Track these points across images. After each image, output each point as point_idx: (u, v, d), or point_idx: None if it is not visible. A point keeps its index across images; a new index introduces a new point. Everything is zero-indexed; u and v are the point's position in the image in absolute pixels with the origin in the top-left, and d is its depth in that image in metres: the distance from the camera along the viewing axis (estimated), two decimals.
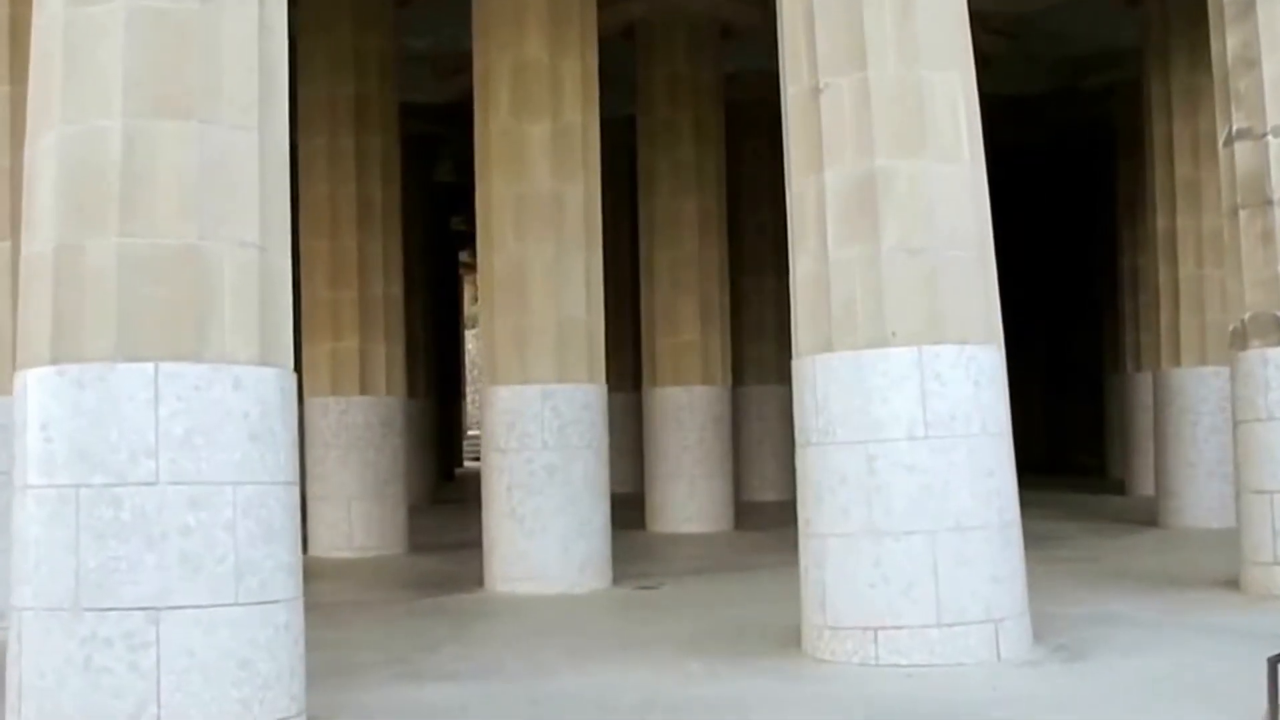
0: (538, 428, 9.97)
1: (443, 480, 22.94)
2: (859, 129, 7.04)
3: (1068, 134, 21.69)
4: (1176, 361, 13.42)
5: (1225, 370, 12.77)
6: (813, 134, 7.20)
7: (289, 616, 5.64)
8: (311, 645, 7.91)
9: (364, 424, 12.73)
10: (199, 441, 5.38)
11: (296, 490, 5.82)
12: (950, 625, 6.78)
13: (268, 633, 5.50)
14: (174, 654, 5.26)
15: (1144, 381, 17.17)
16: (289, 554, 5.67)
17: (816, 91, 7.17)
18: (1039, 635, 7.23)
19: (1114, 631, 7.70)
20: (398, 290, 13.11)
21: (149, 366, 5.33)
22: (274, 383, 5.64)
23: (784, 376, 17.98)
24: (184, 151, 5.48)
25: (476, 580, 10.34)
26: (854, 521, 6.93)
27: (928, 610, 6.79)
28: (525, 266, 10.02)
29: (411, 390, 20.09)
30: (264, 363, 5.61)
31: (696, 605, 9.30)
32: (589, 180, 10.16)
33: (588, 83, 10.21)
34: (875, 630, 6.83)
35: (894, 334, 6.92)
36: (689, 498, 14.47)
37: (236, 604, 5.40)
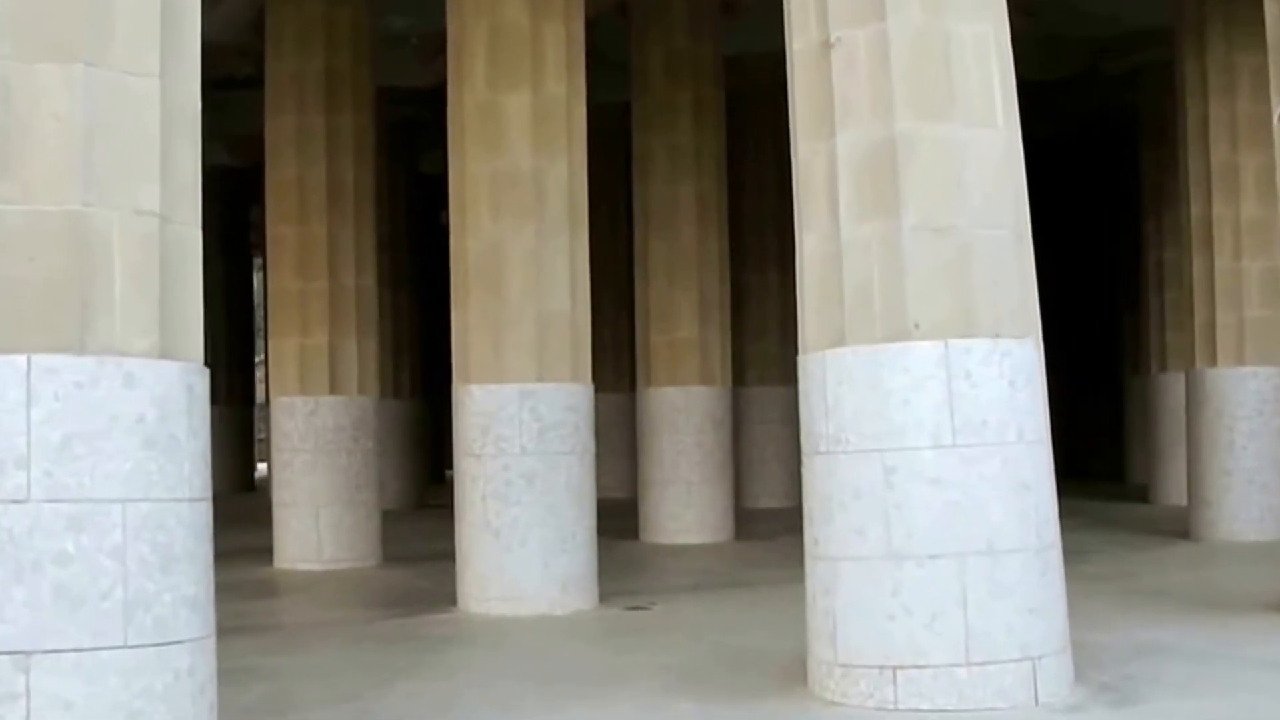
0: (515, 431, 9.01)
1: (432, 483, 21.98)
2: (876, 88, 6.11)
3: (1088, 121, 20.71)
4: (1211, 361, 12.46)
5: (1265, 371, 11.94)
6: (822, 95, 6.27)
7: (194, 659, 4.70)
8: (252, 676, 7.07)
9: (334, 426, 11.79)
10: (80, 450, 4.46)
11: (207, 509, 4.89)
12: (981, 664, 5.87)
13: (165, 680, 4.58)
14: (48, 707, 4.36)
15: (1170, 382, 16.27)
16: (194, 584, 4.74)
17: (827, 46, 6.23)
18: (1078, 672, 6.33)
19: (1162, 666, 6.80)
20: (371, 281, 12.15)
21: (20, 360, 4.43)
22: (177, 379, 4.71)
23: (788, 377, 17.19)
24: (68, 100, 4.55)
25: (449, 599, 9.40)
26: (869, 543, 6.00)
27: (955, 646, 5.88)
28: (502, 252, 9.07)
29: (398, 390, 19.31)
30: (165, 355, 4.69)
31: (690, 630, 8.35)
32: (574, 157, 9.19)
33: (573, 50, 9.24)
34: (894, 669, 5.92)
35: (916, 326, 6.01)
36: (685, 506, 13.48)
37: (126, 646, 4.48)
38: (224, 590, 10.83)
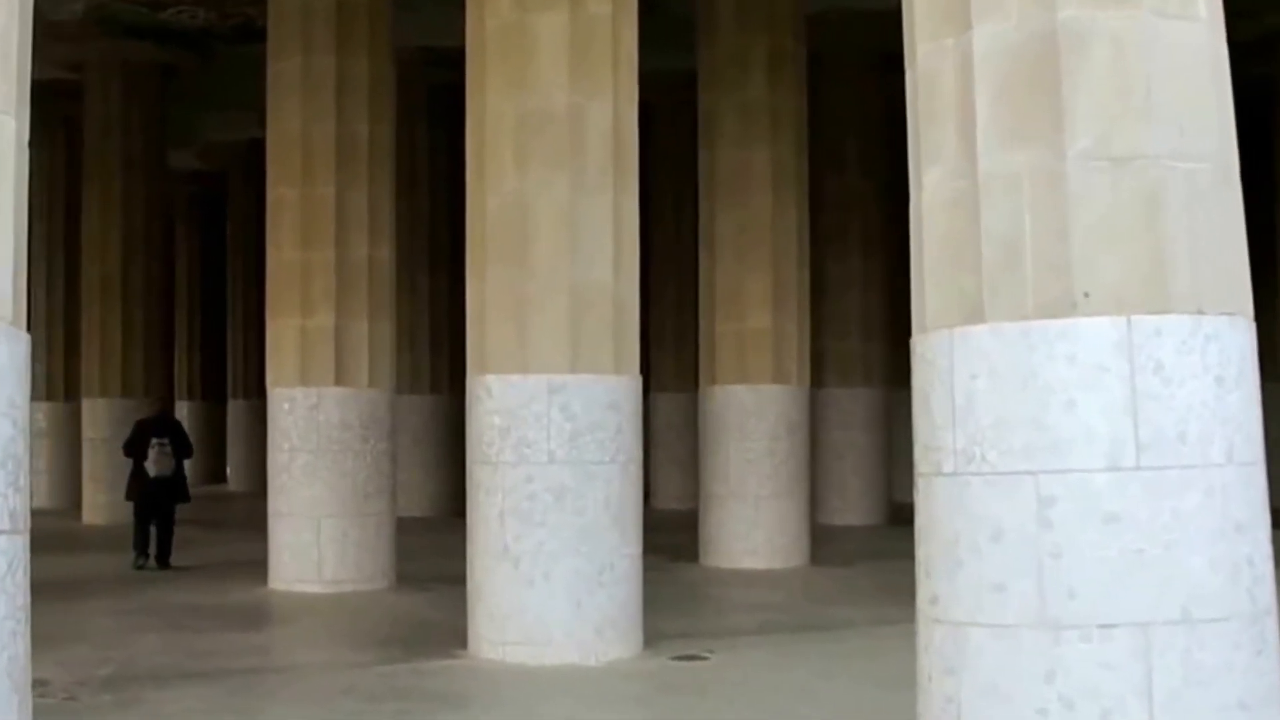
0: (541, 434, 7.26)
1: None
2: None
3: None
4: None
5: None
6: None
7: None
8: None
9: (339, 423, 10.07)
10: None
11: (12, 545, 3.18)
12: None
13: None
14: None
15: None
16: None
17: None
18: None
19: None
20: (387, 254, 10.44)
21: None
22: None
23: (871, 377, 15.31)
24: None
25: (461, 638, 7.65)
26: (1014, 605, 4.22)
27: None
28: (529, 209, 7.35)
29: (435, 383, 17.78)
30: None
31: (753, 693, 6.58)
32: (621, 93, 7.44)
33: None
34: None
35: (1086, 295, 4.25)
36: (753, 524, 11.62)
37: None
38: (197, 617, 9.19)
